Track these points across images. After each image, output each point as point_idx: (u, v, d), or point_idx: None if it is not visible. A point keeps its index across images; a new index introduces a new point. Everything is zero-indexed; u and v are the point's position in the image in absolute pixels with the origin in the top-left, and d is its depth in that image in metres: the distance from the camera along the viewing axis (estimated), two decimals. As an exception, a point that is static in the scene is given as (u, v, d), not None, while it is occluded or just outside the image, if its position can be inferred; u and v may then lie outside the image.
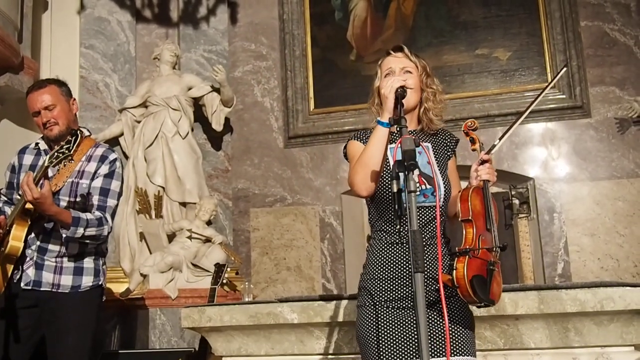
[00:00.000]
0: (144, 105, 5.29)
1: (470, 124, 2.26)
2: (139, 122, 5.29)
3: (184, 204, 5.15)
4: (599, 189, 5.07)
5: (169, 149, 5.14)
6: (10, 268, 2.76)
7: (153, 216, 5.03)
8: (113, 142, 5.16)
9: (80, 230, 2.75)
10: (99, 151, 2.98)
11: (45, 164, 2.61)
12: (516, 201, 5.27)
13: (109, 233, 2.93)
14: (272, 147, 5.77)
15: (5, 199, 3.05)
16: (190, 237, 4.92)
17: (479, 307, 2.07)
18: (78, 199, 2.86)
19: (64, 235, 2.76)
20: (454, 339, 2.05)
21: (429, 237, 2.09)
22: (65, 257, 2.87)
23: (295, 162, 5.70)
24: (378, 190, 2.12)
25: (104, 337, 4.57)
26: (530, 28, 5.40)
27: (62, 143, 2.65)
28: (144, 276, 4.85)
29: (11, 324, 2.80)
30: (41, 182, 2.63)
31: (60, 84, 3.00)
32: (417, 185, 1.95)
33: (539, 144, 5.28)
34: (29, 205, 2.70)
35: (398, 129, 1.96)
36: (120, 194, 3.00)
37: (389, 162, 2.11)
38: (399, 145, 1.85)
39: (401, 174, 1.83)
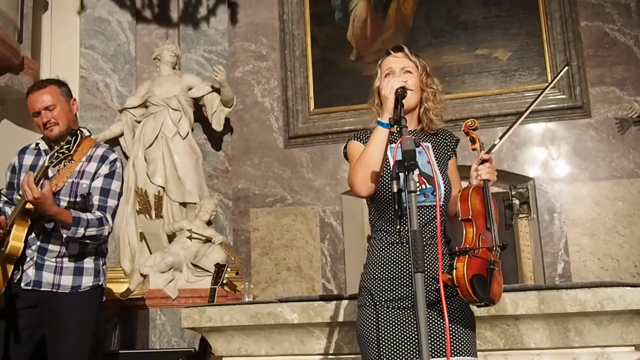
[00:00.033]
0: (144, 105, 5.29)
1: (470, 123, 2.26)
2: (139, 122, 5.29)
3: (184, 204, 5.16)
4: (599, 189, 5.07)
5: (169, 149, 5.14)
6: (10, 268, 2.76)
7: (153, 216, 5.03)
8: (113, 142, 5.16)
9: (81, 230, 2.75)
10: (99, 151, 2.98)
11: (46, 164, 2.61)
12: (516, 201, 5.27)
13: (109, 233, 2.93)
14: (272, 147, 5.77)
15: (6, 199, 3.05)
16: (190, 237, 4.92)
17: (479, 306, 2.07)
18: (78, 199, 2.85)
19: (64, 236, 2.75)
20: (455, 339, 2.05)
21: (429, 236, 2.09)
22: (66, 257, 2.87)
23: (296, 162, 5.70)
24: (378, 190, 2.12)
25: (104, 337, 4.57)
26: (530, 28, 5.40)
27: (62, 143, 2.65)
28: (144, 276, 4.85)
29: (11, 324, 2.79)
30: (41, 182, 2.63)
31: (61, 84, 3.01)
32: (417, 184, 1.95)
33: (539, 144, 5.28)
34: (29, 206, 2.70)
35: (398, 129, 1.96)
36: (120, 194, 3.00)
37: (389, 162, 2.11)
38: (399, 145, 1.85)
39: (401, 174, 1.83)
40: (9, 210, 2.94)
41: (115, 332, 4.67)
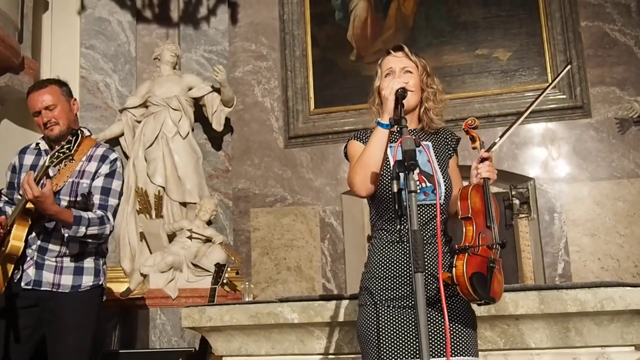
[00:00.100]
0: (144, 105, 5.29)
1: (470, 122, 2.26)
2: (139, 122, 5.29)
3: (184, 204, 5.16)
4: (599, 189, 5.07)
5: (169, 149, 5.15)
6: (10, 268, 2.77)
7: (153, 216, 5.03)
8: (113, 142, 5.16)
9: (83, 229, 2.75)
10: (100, 151, 2.98)
11: (46, 164, 2.61)
12: (516, 201, 5.26)
13: (110, 232, 2.93)
14: (273, 147, 5.78)
15: (6, 199, 3.05)
16: (190, 237, 4.92)
17: (479, 305, 2.06)
18: (79, 199, 2.86)
19: (65, 235, 2.75)
20: (455, 339, 2.05)
21: (429, 235, 2.09)
22: (66, 256, 2.87)
23: (296, 162, 5.70)
24: (378, 190, 2.12)
25: (104, 336, 4.57)
26: (531, 28, 5.40)
27: (63, 143, 2.65)
28: (144, 276, 4.86)
29: (11, 324, 2.80)
30: (42, 181, 2.63)
31: (61, 84, 3.01)
32: (417, 183, 1.95)
33: (539, 144, 5.28)
34: (29, 205, 2.70)
35: (398, 128, 1.96)
36: (121, 194, 3.00)
37: (389, 161, 2.11)
38: (400, 145, 1.85)
39: (401, 174, 1.83)
40: (9, 210, 2.94)
41: (115, 331, 4.67)
